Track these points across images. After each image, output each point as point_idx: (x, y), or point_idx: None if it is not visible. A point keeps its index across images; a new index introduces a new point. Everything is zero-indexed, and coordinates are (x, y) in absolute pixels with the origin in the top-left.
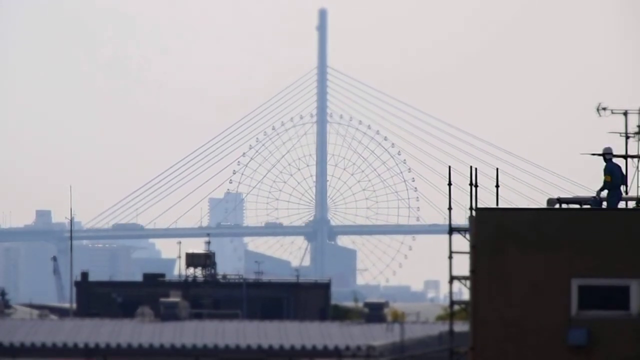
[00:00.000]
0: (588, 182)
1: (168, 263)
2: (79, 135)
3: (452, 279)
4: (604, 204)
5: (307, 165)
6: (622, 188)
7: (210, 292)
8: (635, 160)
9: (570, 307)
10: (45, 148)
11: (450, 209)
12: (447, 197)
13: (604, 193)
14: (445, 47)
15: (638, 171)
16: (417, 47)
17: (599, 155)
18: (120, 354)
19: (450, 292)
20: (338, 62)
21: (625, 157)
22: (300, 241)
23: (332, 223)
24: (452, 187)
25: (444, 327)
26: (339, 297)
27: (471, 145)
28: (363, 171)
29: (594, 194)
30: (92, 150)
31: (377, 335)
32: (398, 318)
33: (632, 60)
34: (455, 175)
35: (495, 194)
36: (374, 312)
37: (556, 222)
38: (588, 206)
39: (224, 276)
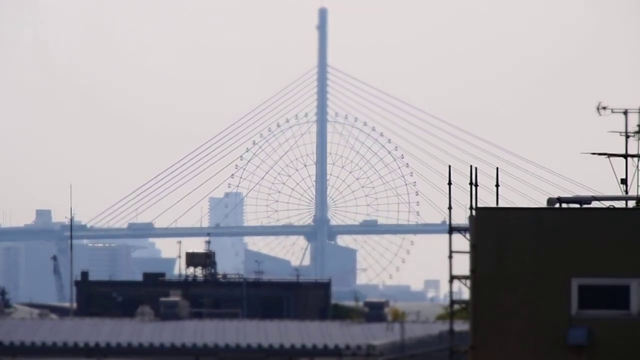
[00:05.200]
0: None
1: (168, 262)
2: (79, 135)
3: (452, 278)
4: None
5: (307, 165)
6: None
7: (210, 292)
8: (636, 159)
9: (570, 307)
10: (45, 148)
11: (450, 208)
12: (447, 196)
13: None
14: (445, 45)
15: (638, 171)
16: (418, 46)
17: (601, 154)
18: (120, 353)
19: (451, 292)
20: (338, 61)
21: (626, 156)
22: (300, 241)
23: (332, 222)
24: (452, 186)
25: (444, 327)
26: (339, 296)
27: (471, 144)
28: (365, 172)
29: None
30: (92, 150)
31: (378, 335)
32: (398, 317)
33: (632, 60)
34: (455, 175)
35: (495, 194)
36: (374, 312)
37: (556, 221)
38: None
39: (224, 275)
